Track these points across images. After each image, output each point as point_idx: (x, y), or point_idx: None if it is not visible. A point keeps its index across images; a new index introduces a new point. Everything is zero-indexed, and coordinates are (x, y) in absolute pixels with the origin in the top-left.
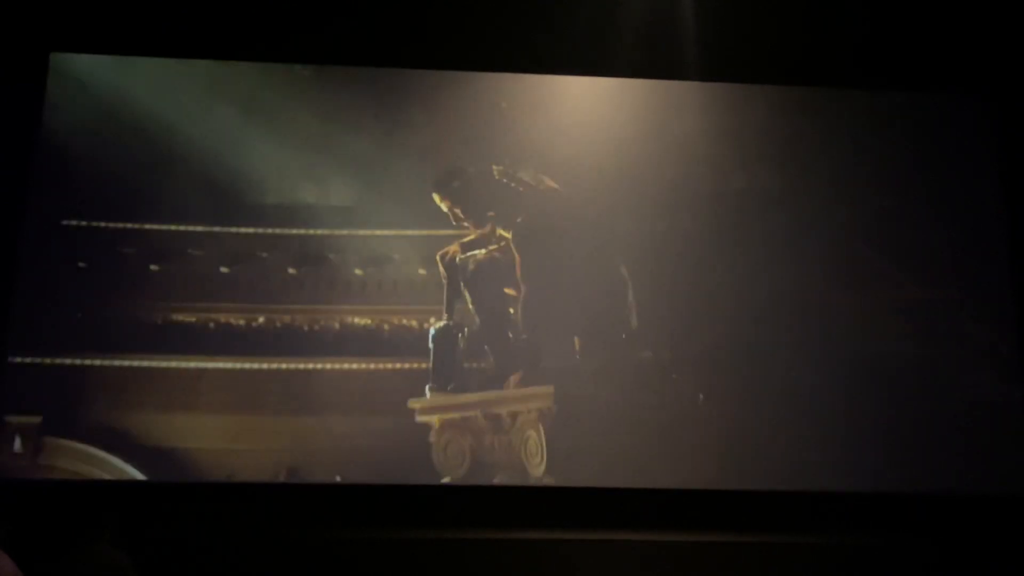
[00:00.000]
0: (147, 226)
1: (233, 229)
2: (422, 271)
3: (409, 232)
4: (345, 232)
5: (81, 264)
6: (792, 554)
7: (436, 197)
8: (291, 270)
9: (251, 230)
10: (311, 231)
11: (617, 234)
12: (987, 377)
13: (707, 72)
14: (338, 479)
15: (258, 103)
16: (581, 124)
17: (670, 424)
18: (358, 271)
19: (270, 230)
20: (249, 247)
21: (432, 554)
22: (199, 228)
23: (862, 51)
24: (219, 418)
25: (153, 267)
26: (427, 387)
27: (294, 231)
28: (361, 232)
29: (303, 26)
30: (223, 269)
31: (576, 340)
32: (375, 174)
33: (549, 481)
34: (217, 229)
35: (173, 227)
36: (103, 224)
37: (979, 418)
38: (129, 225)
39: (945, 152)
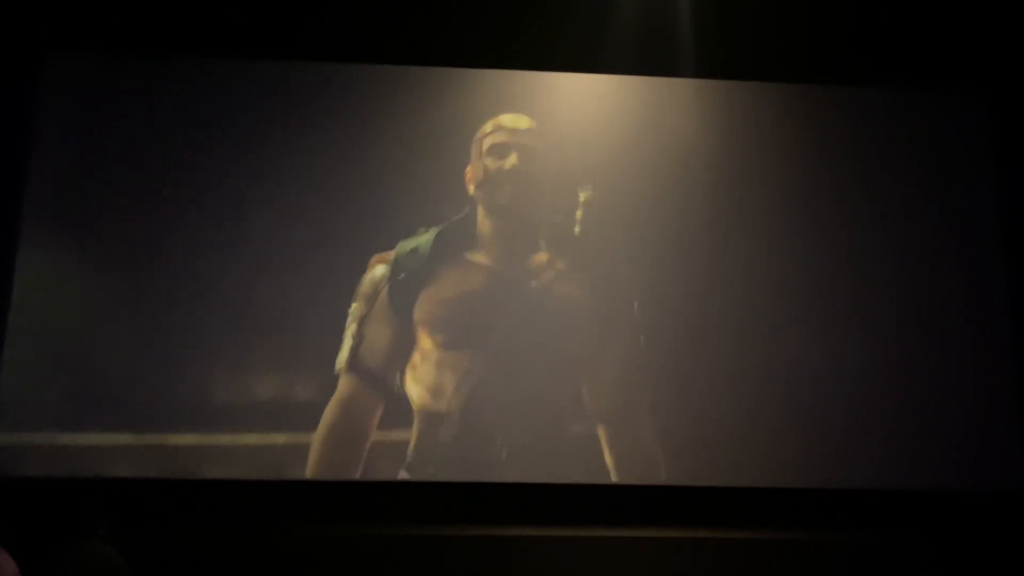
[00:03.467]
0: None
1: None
2: None
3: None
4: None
5: None
6: (785, 551)
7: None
8: None
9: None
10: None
11: (613, 232)
12: (981, 375)
13: (701, 69)
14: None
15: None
16: (575, 122)
17: (666, 423)
18: None
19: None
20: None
21: (432, 551)
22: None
23: (858, 48)
24: None
25: None
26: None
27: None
28: None
29: (301, 23)
30: None
31: (578, 339)
32: None
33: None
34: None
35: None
36: None
37: (973, 416)
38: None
39: (940, 147)
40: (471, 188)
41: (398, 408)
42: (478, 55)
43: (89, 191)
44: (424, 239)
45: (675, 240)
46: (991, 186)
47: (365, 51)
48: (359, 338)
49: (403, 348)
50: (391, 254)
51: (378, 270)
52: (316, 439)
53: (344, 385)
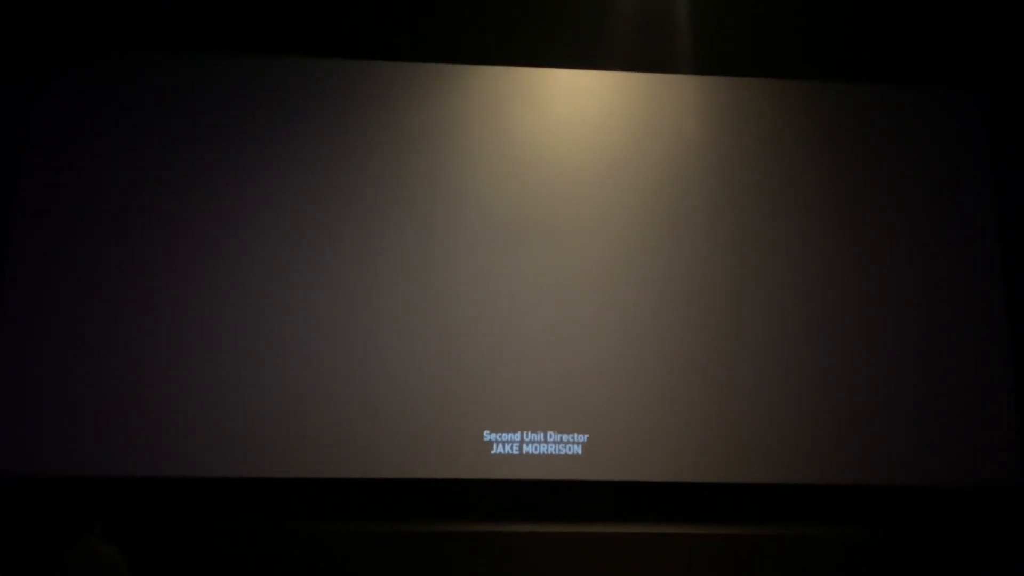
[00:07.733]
0: None
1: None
2: None
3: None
4: None
5: None
6: (783, 547)
7: None
8: None
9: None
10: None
11: (612, 229)
12: (978, 371)
13: (700, 65)
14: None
15: None
16: (574, 118)
17: (664, 419)
18: None
19: None
20: None
21: (430, 548)
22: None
23: (858, 45)
24: None
25: None
26: None
27: None
28: None
29: (302, 20)
30: None
31: (575, 337)
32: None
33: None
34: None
35: None
36: None
37: (971, 412)
38: None
39: (939, 145)
40: None
41: None
42: (477, 51)
43: (87, 191)
44: None
45: (674, 236)
46: (990, 185)
47: (364, 47)
48: None
49: None
50: None
51: None
52: None
53: None
